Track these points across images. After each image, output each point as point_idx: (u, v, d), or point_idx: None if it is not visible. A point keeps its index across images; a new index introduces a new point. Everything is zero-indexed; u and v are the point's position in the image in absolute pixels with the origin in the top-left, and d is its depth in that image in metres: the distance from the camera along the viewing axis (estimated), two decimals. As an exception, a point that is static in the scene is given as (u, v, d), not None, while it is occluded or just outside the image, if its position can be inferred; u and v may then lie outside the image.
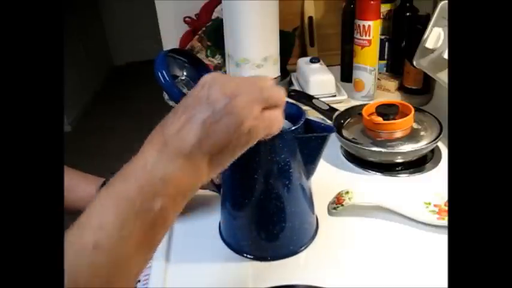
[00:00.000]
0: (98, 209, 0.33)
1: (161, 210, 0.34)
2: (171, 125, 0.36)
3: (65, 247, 0.30)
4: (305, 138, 0.49)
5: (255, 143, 0.39)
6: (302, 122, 0.49)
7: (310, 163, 0.51)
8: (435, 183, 0.66)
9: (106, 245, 0.31)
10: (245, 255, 0.55)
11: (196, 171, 0.36)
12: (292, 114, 0.50)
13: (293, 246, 0.55)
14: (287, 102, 0.43)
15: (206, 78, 0.38)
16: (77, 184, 0.61)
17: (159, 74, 0.49)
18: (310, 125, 0.51)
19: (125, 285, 0.33)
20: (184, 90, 0.53)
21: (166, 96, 0.89)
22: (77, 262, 0.30)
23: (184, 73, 0.56)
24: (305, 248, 0.56)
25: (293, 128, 0.48)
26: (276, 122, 0.39)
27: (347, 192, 0.62)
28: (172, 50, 0.54)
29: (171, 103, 0.88)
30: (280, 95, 0.39)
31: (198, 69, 0.57)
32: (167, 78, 0.50)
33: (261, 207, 0.52)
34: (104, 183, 0.62)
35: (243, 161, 0.49)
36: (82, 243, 0.31)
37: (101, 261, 0.31)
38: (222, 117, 0.35)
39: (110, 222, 0.32)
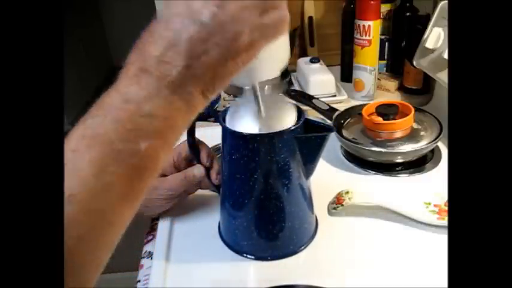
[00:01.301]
0: (69, 155, 0.27)
1: (148, 152, 0.28)
2: (151, 48, 0.29)
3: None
4: (305, 138, 0.49)
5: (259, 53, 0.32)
6: (302, 121, 0.49)
7: (309, 163, 0.51)
8: (435, 183, 0.66)
9: (80, 195, 0.26)
10: (245, 255, 0.55)
11: (188, 102, 0.30)
12: None
13: (293, 246, 0.55)
14: None
15: None
16: None
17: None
18: (310, 125, 0.51)
19: (107, 241, 0.29)
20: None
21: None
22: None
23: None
24: (305, 248, 0.56)
25: (292, 127, 0.48)
26: (281, 24, 0.32)
27: (347, 192, 0.62)
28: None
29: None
30: None
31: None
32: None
33: (261, 207, 0.52)
34: None
35: (242, 161, 0.50)
36: None
37: (75, 214, 0.26)
38: (213, 32, 0.29)
39: (85, 169, 0.27)
